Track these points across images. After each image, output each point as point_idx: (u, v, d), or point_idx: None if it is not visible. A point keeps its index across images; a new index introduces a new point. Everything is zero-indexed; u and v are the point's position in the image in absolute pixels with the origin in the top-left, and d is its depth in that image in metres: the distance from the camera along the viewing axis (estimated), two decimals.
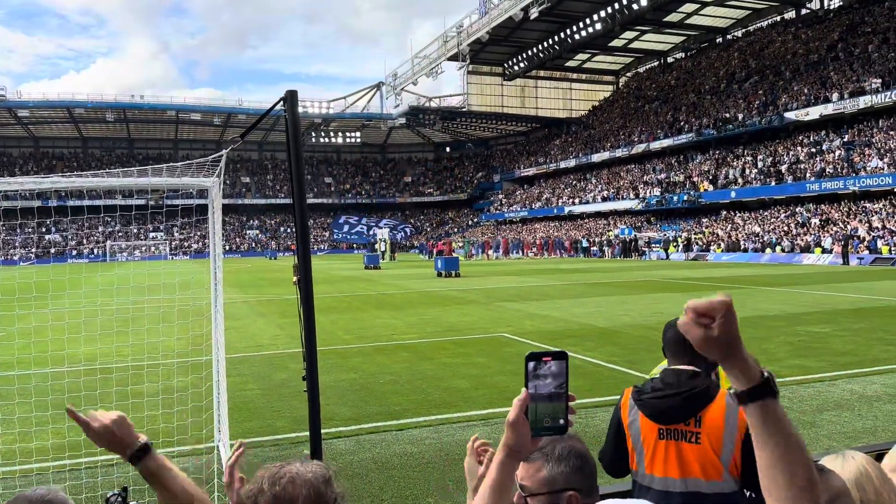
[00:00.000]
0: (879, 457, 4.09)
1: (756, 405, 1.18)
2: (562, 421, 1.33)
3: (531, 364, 1.32)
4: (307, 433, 5.21)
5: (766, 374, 1.20)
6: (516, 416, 1.35)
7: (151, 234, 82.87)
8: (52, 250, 67.71)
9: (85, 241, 76.56)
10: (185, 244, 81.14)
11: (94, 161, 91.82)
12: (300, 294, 4.47)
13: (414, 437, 7.22)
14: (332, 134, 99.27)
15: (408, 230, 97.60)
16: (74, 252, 70.40)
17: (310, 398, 4.44)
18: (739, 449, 2.50)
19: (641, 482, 2.66)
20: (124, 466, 6.18)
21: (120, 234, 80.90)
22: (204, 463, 5.87)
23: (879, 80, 45.46)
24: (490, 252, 62.53)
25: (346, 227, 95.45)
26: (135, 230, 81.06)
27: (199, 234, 79.46)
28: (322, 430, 4.48)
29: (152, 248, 77.59)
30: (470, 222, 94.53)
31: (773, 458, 1.16)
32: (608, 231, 61.43)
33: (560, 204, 74.40)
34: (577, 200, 72.21)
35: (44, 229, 75.34)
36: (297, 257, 4.55)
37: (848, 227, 41.03)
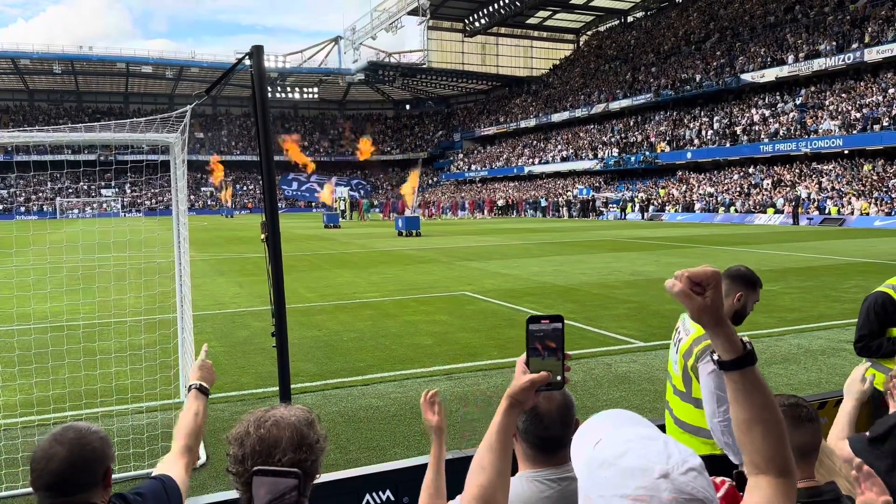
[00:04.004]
0: (822, 405, 4.36)
1: (739, 372, 1.30)
2: (559, 378, 1.50)
3: (531, 326, 1.49)
4: (273, 388, 5.27)
5: (749, 345, 1.32)
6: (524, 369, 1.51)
7: (103, 191, 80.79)
8: (0, 207, 65.78)
9: (34, 197, 74.25)
10: (139, 201, 79.40)
11: (42, 115, 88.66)
12: (268, 252, 4.51)
13: (379, 391, 7.36)
14: (289, 89, 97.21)
15: (368, 188, 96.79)
16: (23, 209, 68.33)
17: (279, 353, 4.51)
18: None
19: None
20: (92, 421, 6.21)
21: (70, 190, 78.60)
22: (173, 417, 5.92)
23: (833, 44, 46.26)
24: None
25: (294, 185, 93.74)
26: (85, 186, 78.85)
27: (152, 191, 77.71)
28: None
29: (104, 205, 75.67)
30: (430, 181, 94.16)
31: (751, 417, 1.28)
32: (567, 191, 61.95)
33: (520, 164, 74.61)
34: (536, 160, 72.48)
35: None
36: (264, 215, 4.57)
37: (797, 188, 42.11)
